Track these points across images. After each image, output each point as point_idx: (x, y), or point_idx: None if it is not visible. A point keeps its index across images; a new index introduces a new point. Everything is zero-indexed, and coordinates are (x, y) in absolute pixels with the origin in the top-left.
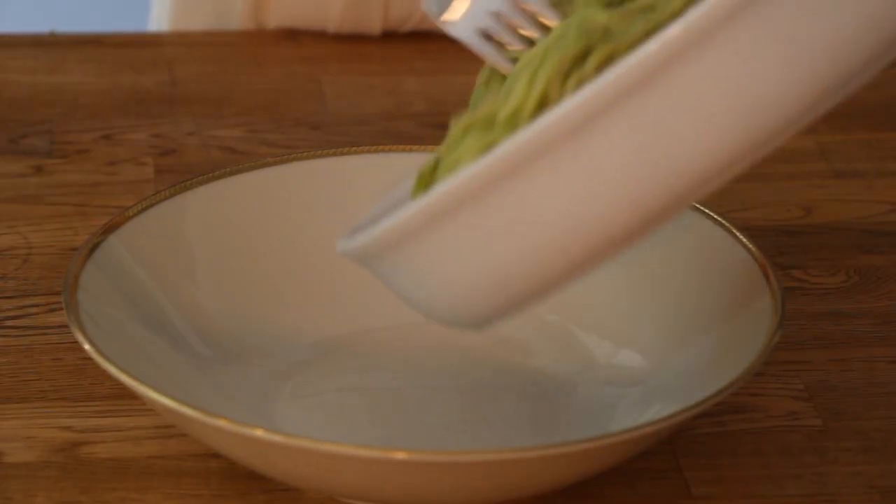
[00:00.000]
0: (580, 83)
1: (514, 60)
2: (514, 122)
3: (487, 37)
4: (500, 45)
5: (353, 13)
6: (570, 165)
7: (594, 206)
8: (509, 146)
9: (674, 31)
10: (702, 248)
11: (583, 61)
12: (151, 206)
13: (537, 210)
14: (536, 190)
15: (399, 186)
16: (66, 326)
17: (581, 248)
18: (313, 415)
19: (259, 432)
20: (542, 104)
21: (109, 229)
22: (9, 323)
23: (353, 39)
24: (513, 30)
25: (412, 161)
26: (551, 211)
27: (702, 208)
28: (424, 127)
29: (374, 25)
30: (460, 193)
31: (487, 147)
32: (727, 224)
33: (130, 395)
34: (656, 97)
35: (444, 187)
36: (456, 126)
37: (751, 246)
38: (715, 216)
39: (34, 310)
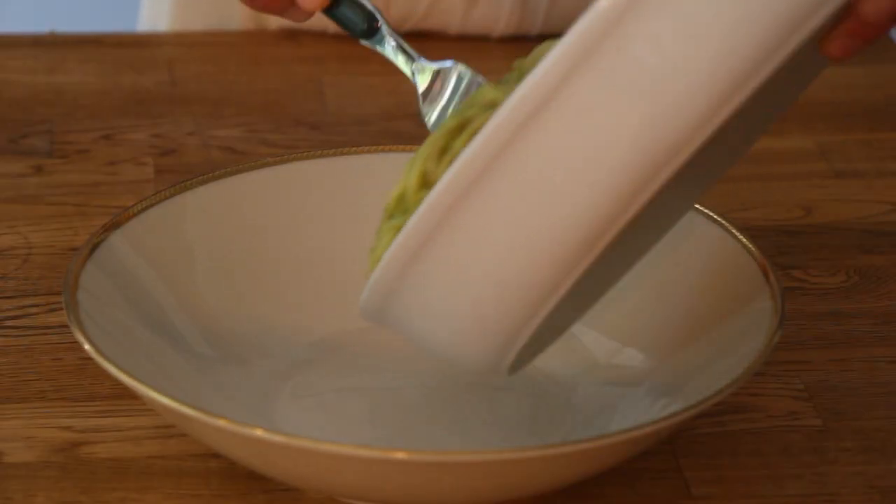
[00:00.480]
0: (453, 157)
1: None
2: (402, 204)
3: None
4: None
5: None
6: (469, 228)
7: (502, 268)
8: (409, 227)
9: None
10: (702, 249)
11: (458, 135)
12: (152, 205)
13: (454, 274)
14: (452, 256)
15: None
16: (66, 326)
17: (512, 296)
18: (313, 415)
19: (259, 432)
20: (424, 183)
21: (109, 229)
22: (9, 323)
23: (353, 39)
24: None
25: None
26: (466, 273)
27: (702, 209)
28: (424, 127)
29: None
30: (387, 282)
31: (397, 230)
32: (727, 224)
33: (130, 395)
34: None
35: (373, 276)
36: (384, 209)
37: (751, 246)
38: (715, 216)
39: (34, 310)
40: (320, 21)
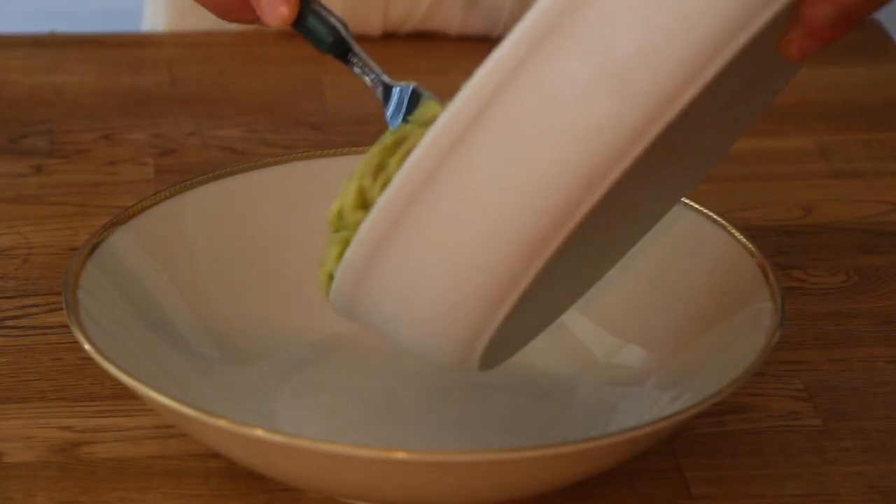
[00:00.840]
0: (388, 175)
1: None
2: (341, 220)
3: None
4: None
5: (353, 13)
6: (419, 234)
7: (450, 274)
8: (351, 250)
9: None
10: (702, 249)
11: (394, 152)
12: (152, 205)
13: (405, 283)
14: (398, 272)
15: None
16: (66, 326)
17: (462, 302)
18: (313, 415)
19: (259, 432)
20: (361, 200)
21: (109, 229)
22: (9, 323)
23: None
24: None
25: None
26: (414, 283)
27: (702, 209)
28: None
29: (374, 25)
30: (344, 290)
31: (343, 243)
32: (727, 224)
33: (130, 395)
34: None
35: (332, 289)
36: (328, 222)
37: (751, 246)
38: (715, 216)
39: (34, 310)
40: None
